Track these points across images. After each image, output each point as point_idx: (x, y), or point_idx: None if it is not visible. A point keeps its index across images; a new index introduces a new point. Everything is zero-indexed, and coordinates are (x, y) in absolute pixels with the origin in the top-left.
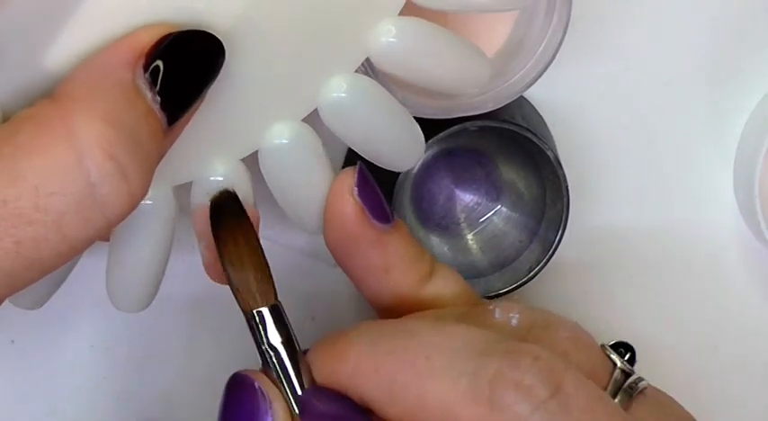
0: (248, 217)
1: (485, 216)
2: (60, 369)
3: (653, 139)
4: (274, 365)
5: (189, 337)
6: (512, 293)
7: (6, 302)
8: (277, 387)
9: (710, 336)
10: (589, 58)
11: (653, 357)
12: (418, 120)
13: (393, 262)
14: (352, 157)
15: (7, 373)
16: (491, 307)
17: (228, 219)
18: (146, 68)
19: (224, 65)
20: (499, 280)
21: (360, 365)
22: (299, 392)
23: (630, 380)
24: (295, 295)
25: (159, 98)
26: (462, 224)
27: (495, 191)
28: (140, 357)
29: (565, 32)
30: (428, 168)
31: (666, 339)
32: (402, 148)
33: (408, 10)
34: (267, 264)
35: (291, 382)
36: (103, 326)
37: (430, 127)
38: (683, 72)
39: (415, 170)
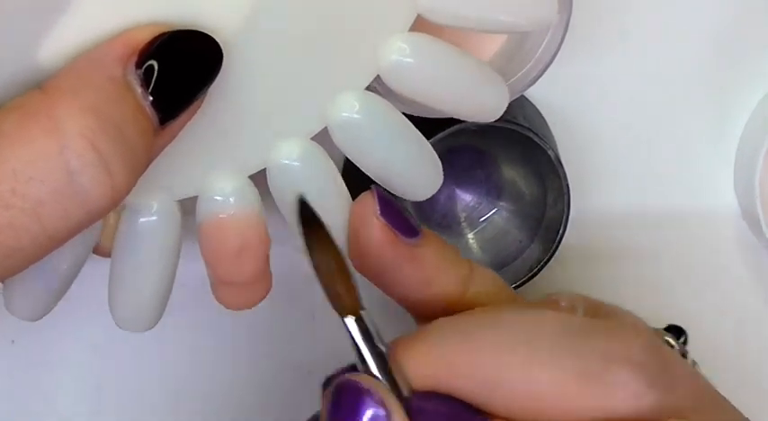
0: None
1: (485, 215)
2: (61, 369)
3: (653, 139)
4: (383, 371)
5: (190, 337)
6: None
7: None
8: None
9: (711, 336)
10: (590, 58)
11: None
12: (419, 119)
13: (432, 274)
14: (349, 168)
15: (8, 373)
16: (553, 297)
17: (319, 229)
18: (138, 65)
19: (231, 75)
20: None
21: (455, 363)
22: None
23: (688, 362)
24: (294, 294)
25: (151, 97)
26: (463, 223)
27: (495, 190)
28: (141, 357)
29: (565, 32)
30: None
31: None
32: (419, 175)
33: (417, 24)
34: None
35: (399, 389)
36: (104, 326)
37: (431, 126)
38: (684, 72)
39: None
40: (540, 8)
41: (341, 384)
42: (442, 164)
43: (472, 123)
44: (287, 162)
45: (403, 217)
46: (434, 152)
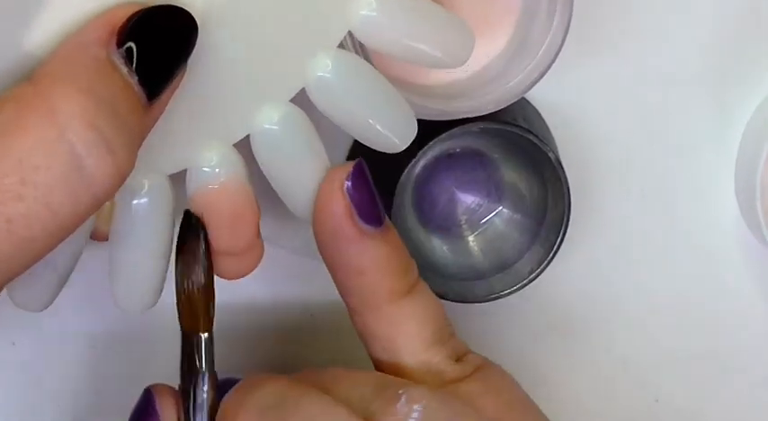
0: (207, 246)
1: (486, 218)
2: (61, 370)
3: (654, 141)
4: (194, 392)
5: None
6: (513, 295)
7: (7, 304)
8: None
9: (711, 336)
10: (591, 59)
11: (653, 357)
12: (420, 121)
13: (368, 266)
14: (356, 151)
15: (8, 375)
16: (401, 392)
17: (192, 241)
18: (119, 44)
19: (206, 47)
20: (500, 282)
21: None
22: None
23: None
24: (293, 293)
25: (137, 75)
26: (463, 226)
27: (496, 192)
28: (141, 358)
29: (566, 34)
30: (429, 170)
31: (666, 339)
32: (393, 127)
33: None
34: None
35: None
36: (104, 326)
37: (431, 128)
38: (685, 74)
39: (416, 172)
40: (460, 46)
41: (145, 390)
42: (443, 166)
43: (473, 125)
44: (267, 126)
45: (370, 199)
46: (408, 105)
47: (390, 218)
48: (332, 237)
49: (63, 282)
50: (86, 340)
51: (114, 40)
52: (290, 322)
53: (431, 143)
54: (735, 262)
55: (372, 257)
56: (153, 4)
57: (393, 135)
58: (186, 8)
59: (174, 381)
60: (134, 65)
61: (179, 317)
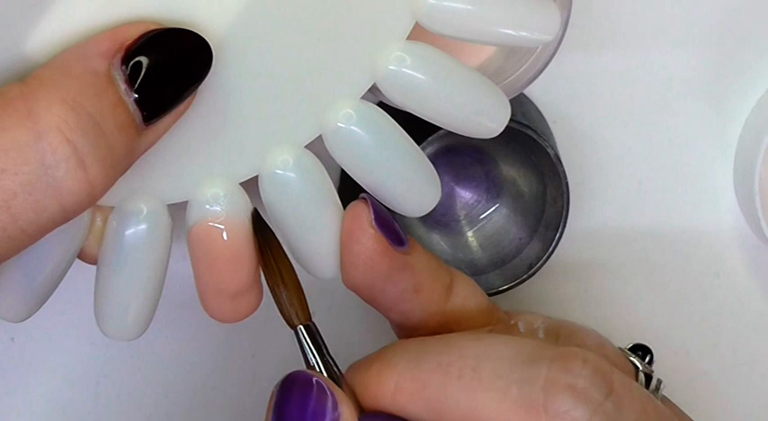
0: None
1: (485, 213)
2: (60, 367)
3: (653, 137)
4: (335, 376)
5: (190, 336)
6: (511, 291)
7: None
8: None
9: (710, 335)
10: (589, 55)
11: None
12: (419, 117)
13: (421, 280)
14: (345, 178)
15: (7, 371)
16: (513, 321)
17: (271, 239)
18: (124, 61)
19: (224, 79)
20: (499, 277)
21: (404, 385)
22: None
23: (653, 382)
24: None
25: (136, 94)
26: (462, 221)
27: (495, 188)
28: (140, 356)
29: (565, 30)
30: None
31: (666, 338)
32: (415, 190)
33: (414, 33)
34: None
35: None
36: None
37: (430, 124)
38: (684, 70)
39: None
40: (544, 20)
41: (292, 378)
42: (442, 161)
43: None
44: (280, 172)
45: (393, 224)
46: (432, 167)
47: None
48: (380, 275)
49: (44, 297)
50: (86, 337)
51: (120, 56)
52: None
53: (429, 139)
54: (734, 259)
55: (421, 270)
56: (168, 26)
57: (414, 199)
58: (203, 35)
59: (174, 381)
60: (137, 84)
61: (281, 314)
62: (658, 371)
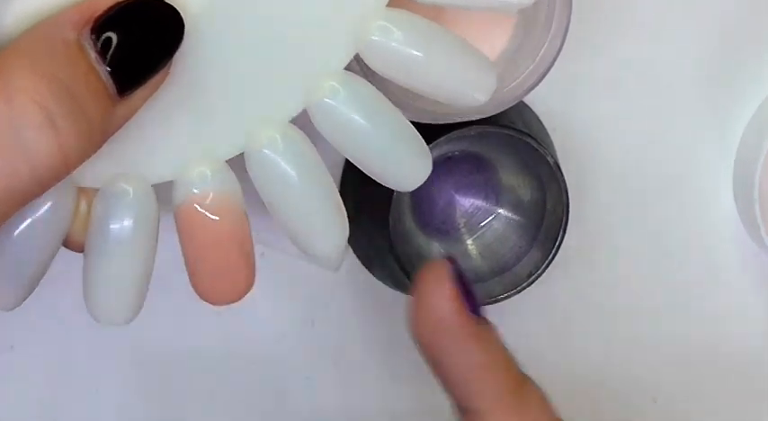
0: None
1: (484, 221)
2: (60, 374)
3: (653, 144)
4: None
5: (189, 339)
6: (511, 299)
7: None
8: None
9: (710, 338)
10: (589, 63)
11: (653, 359)
12: (417, 125)
13: (494, 359)
14: (346, 178)
15: (7, 378)
16: None
17: None
18: (94, 31)
19: (205, 55)
20: (499, 285)
21: None
22: None
23: None
24: (295, 300)
25: (109, 67)
26: (462, 229)
27: (494, 196)
28: (140, 362)
29: (565, 37)
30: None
31: (666, 341)
32: (406, 163)
33: (397, 2)
34: None
35: None
36: (103, 330)
37: (430, 132)
38: (684, 76)
39: None
40: (477, 83)
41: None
42: (442, 169)
43: (471, 129)
44: (267, 151)
45: (472, 290)
46: (422, 139)
47: (389, 221)
48: (452, 338)
49: (28, 284)
50: (85, 344)
51: (89, 26)
52: (290, 326)
53: (429, 146)
54: (733, 263)
55: (495, 351)
56: None
57: (403, 173)
58: (178, 8)
59: (174, 382)
60: (109, 54)
61: None
62: (657, 376)
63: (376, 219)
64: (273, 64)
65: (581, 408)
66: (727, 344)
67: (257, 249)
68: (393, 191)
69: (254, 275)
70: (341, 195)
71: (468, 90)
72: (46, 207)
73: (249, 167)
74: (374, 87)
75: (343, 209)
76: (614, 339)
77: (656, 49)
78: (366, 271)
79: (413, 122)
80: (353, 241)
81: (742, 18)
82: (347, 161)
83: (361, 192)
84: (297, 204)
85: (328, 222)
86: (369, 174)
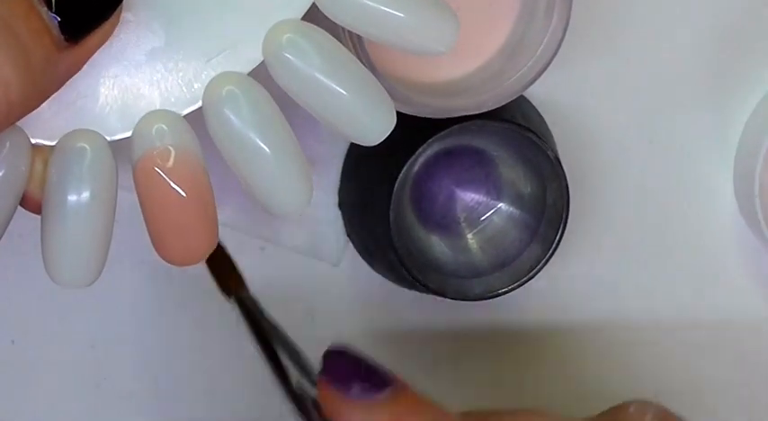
0: None
1: (485, 215)
2: (61, 369)
3: (653, 139)
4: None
5: (188, 337)
6: (512, 293)
7: (7, 302)
8: None
9: (710, 336)
10: (589, 57)
11: (653, 357)
12: (418, 119)
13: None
14: (353, 151)
15: (8, 374)
16: (625, 404)
17: None
18: None
19: (159, 3)
20: (499, 279)
21: None
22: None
23: None
24: (294, 295)
25: (58, 17)
26: (462, 223)
27: (495, 190)
28: (141, 357)
29: (565, 31)
30: (428, 168)
31: (666, 337)
32: (368, 114)
33: None
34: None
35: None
36: (104, 325)
37: (430, 126)
38: (684, 72)
39: (415, 169)
40: (441, 28)
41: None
42: (442, 164)
43: (472, 123)
44: (226, 110)
45: (373, 368)
46: (384, 90)
47: (389, 215)
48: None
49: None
50: (86, 339)
51: None
52: (289, 323)
53: (429, 140)
54: (733, 259)
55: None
56: None
57: (364, 126)
58: None
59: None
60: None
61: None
62: (658, 371)
63: (377, 214)
64: (228, 13)
65: (581, 403)
66: (728, 339)
67: (257, 244)
68: (394, 186)
69: (216, 235)
70: (342, 190)
71: (432, 34)
72: None
73: (207, 122)
74: (332, 37)
75: (308, 167)
76: (614, 334)
77: (657, 44)
78: (366, 265)
79: (413, 117)
80: (354, 235)
81: (741, 16)
82: (348, 156)
83: (362, 187)
84: (256, 159)
85: (291, 177)
86: (331, 129)
